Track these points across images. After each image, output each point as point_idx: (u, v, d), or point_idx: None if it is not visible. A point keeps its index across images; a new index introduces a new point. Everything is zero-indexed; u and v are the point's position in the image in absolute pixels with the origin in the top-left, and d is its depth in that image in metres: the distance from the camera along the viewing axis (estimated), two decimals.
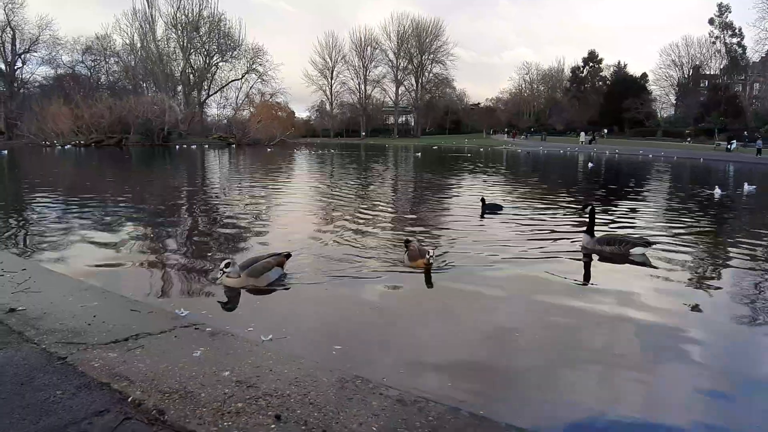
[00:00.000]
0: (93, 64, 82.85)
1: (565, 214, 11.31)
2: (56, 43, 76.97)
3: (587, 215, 8.08)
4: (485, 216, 10.72)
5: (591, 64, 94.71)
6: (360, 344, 4.40)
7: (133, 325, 3.60)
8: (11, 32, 73.67)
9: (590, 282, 6.35)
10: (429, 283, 5.94)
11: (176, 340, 3.39)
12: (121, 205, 12.69)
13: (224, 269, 5.37)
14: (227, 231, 9.44)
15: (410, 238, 7.43)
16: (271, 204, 13.11)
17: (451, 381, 3.81)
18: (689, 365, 4.11)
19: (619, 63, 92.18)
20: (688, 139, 65.88)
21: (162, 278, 5.97)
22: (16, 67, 76.46)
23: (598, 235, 7.94)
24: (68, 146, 54.55)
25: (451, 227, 9.67)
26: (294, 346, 3.90)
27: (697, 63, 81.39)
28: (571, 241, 8.42)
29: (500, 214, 10.89)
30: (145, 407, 2.56)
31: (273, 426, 2.44)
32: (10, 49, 74.73)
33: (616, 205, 13.23)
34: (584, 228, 8.14)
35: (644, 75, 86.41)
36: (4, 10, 71.64)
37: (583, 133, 68.53)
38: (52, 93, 68.07)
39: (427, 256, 6.13)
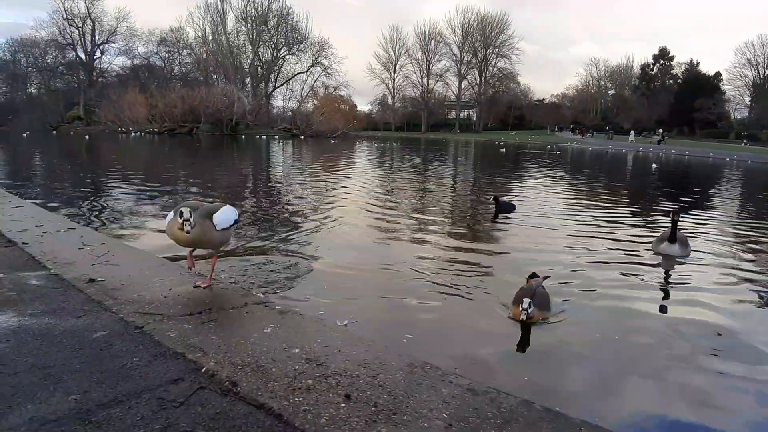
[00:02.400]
0: (167, 56, 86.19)
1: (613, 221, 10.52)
2: (132, 34, 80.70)
3: (671, 222, 7.48)
4: (499, 217, 10.08)
5: (662, 61, 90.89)
6: (432, 335, 4.39)
7: (206, 299, 3.69)
8: (91, 24, 77.66)
9: None
10: (524, 343, 4.37)
11: (247, 316, 3.44)
12: (192, 189, 13.20)
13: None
14: (290, 217, 9.63)
15: (536, 273, 5.20)
16: (333, 194, 13.24)
17: (526, 376, 3.76)
18: None
19: (691, 61, 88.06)
20: (744, 141, 62.20)
21: (233, 258, 6.16)
22: (95, 57, 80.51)
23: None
24: (142, 133, 56.93)
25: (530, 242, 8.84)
26: (364, 331, 3.94)
27: None
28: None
29: (513, 214, 10.28)
30: (219, 378, 2.60)
31: (343, 405, 2.43)
32: (89, 39, 78.79)
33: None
34: (659, 235, 7.71)
35: (718, 74, 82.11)
36: (85, 2, 75.58)
37: (632, 132, 65.99)
38: (128, 82, 71.33)
39: (521, 309, 4.45)
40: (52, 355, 2.79)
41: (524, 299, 4.46)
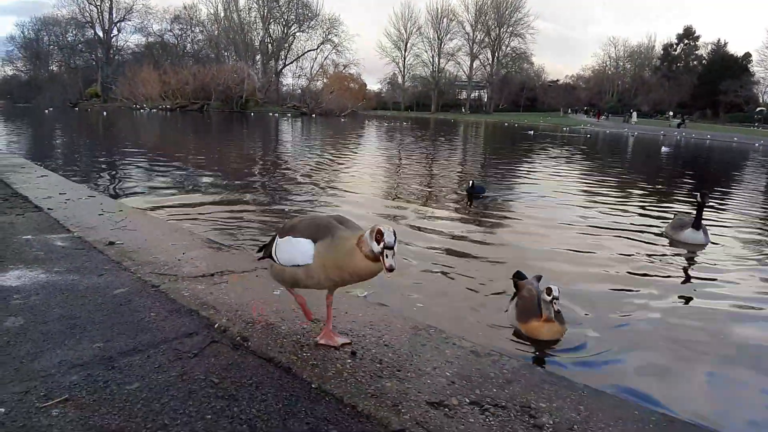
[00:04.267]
0: (180, 33, 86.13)
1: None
2: (148, 12, 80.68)
3: (697, 206, 6.99)
4: (473, 199, 9.79)
5: (686, 41, 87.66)
6: (441, 305, 4.46)
7: (218, 262, 3.82)
8: (108, 2, 77.53)
9: None
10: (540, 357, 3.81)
11: (258, 279, 3.56)
12: (202, 162, 13.44)
13: None
14: (298, 193, 9.77)
15: (523, 273, 4.58)
16: (340, 172, 13.35)
17: (538, 349, 3.83)
18: None
19: (718, 41, 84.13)
20: (756, 124, 60.41)
21: (242, 227, 6.31)
22: (112, 35, 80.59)
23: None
24: (155, 110, 57.24)
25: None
26: (376, 299, 4.06)
27: None
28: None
29: (484, 196, 10.01)
30: (230, 333, 2.73)
31: (349, 361, 2.55)
32: (107, 17, 78.80)
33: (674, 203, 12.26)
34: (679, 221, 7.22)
35: (747, 55, 78.35)
36: None
37: (634, 113, 64.78)
38: (143, 60, 71.52)
39: (552, 297, 3.72)
40: (77, 308, 2.98)
41: (551, 286, 3.76)
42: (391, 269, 2.26)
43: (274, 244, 2.62)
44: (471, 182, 10.22)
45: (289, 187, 10.58)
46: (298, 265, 2.47)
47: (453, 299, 4.70)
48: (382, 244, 2.28)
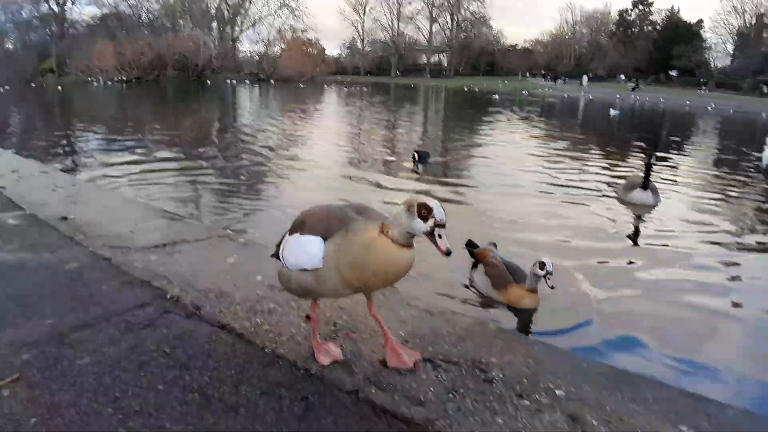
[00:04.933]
0: (135, 3, 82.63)
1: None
2: None
3: (645, 167, 7.09)
4: (418, 166, 9.62)
5: (641, 7, 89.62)
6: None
7: (172, 233, 3.77)
8: None
9: None
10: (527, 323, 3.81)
11: (211, 248, 3.54)
12: (158, 133, 13.16)
13: None
14: (254, 159, 9.66)
15: (474, 242, 4.64)
16: (297, 140, 13.23)
17: (488, 307, 3.90)
18: None
19: (672, 8, 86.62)
20: (703, 88, 61.86)
21: (198, 196, 6.22)
22: (65, 8, 76.96)
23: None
24: (111, 83, 55.47)
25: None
26: None
27: (762, 11, 75.58)
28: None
29: (428, 162, 9.85)
30: (183, 303, 2.71)
31: (303, 325, 2.57)
32: None
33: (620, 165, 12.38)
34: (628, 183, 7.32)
35: (700, 21, 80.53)
36: None
37: (585, 77, 65.59)
38: (98, 32, 68.74)
39: (547, 272, 3.73)
40: (29, 286, 2.93)
41: (544, 260, 3.76)
42: (448, 252, 1.86)
43: (283, 242, 2.23)
44: (416, 150, 10.07)
45: (246, 155, 10.45)
46: (306, 270, 2.06)
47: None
48: (432, 221, 1.86)
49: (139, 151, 10.61)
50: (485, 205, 7.10)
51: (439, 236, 1.87)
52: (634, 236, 6.12)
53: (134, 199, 5.09)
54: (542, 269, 3.74)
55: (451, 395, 2.18)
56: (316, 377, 2.18)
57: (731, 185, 9.73)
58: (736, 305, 4.34)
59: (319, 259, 2.01)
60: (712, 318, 4.09)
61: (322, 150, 11.64)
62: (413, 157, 9.89)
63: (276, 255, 2.30)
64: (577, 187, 8.43)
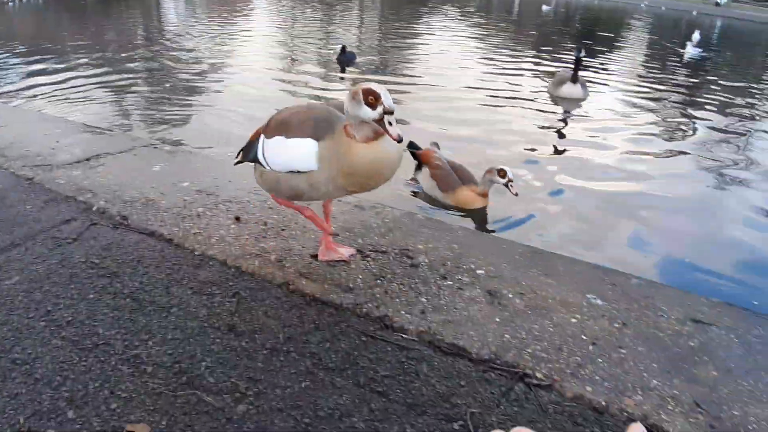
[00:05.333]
0: None
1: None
2: None
3: (574, 60, 7.18)
4: (346, 67, 9.23)
5: None
6: None
7: (94, 147, 3.65)
8: None
9: None
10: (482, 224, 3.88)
11: (136, 158, 3.46)
12: (77, 47, 12.29)
13: None
14: (182, 67, 9.25)
15: (415, 143, 4.54)
16: (229, 45, 12.63)
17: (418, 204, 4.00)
18: None
19: None
20: None
21: (124, 109, 5.97)
22: None
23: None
24: (28, 0, 51.00)
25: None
26: None
27: None
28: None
29: (355, 64, 9.47)
30: (109, 214, 2.69)
31: (233, 226, 2.60)
32: None
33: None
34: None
35: None
36: None
37: None
38: None
39: (509, 179, 3.80)
40: None
41: (504, 168, 3.79)
42: (400, 139, 1.77)
43: (260, 145, 2.13)
44: (342, 47, 9.46)
45: (174, 63, 9.94)
46: (298, 172, 2.00)
47: None
48: (380, 108, 1.76)
49: (59, 67, 9.90)
50: (419, 105, 7.08)
51: (390, 123, 1.76)
52: (564, 129, 6.27)
53: (54, 116, 4.84)
54: (503, 177, 3.77)
55: (378, 281, 2.29)
56: (247, 274, 2.25)
57: (657, 78, 9.98)
58: (652, 190, 4.59)
59: (313, 161, 1.93)
60: (630, 201, 4.34)
61: (252, 53, 11.17)
62: (339, 54, 9.44)
63: (247, 160, 2.25)
64: (510, 83, 8.46)
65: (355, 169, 1.89)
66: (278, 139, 2.03)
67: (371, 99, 1.75)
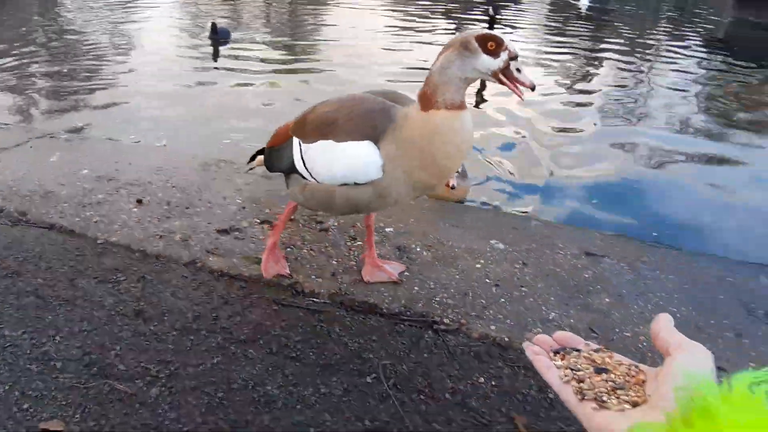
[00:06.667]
0: None
1: None
2: None
3: (488, 19, 7.12)
4: (219, 52, 7.81)
5: None
6: (254, 136, 4.17)
7: None
8: None
9: None
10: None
11: (32, 150, 3.29)
12: None
13: None
14: (84, 54, 8.70)
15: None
16: (127, 24, 11.94)
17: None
18: None
19: None
20: None
21: (15, 100, 5.59)
22: None
23: None
24: None
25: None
26: (182, 146, 3.92)
27: None
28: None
29: (228, 41, 8.12)
30: (7, 211, 2.57)
31: (135, 209, 2.55)
32: None
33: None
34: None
35: None
36: None
37: None
38: None
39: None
40: None
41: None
42: (533, 86, 1.47)
43: (297, 152, 1.77)
44: (212, 25, 8.06)
45: (73, 51, 9.29)
46: (358, 184, 1.66)
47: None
48: (504, 54, 1.45)
49: None
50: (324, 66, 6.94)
51: (518, 70, 1.46)
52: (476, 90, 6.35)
53: None
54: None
55: (288, 249, 2.32)
56: (152, 257, 2.22)
57: (558, 30, 10.31)
58: (560, 138, 4.78)
59: (377, 167, 1.60)
60: (536, 149, 4.50)
61: (153, 36, 10.41)
62: (211, 34, 8.06)
63: (287, 169, 1.87)
64: (425, 42, 8.34)
65: (438, 147, 1.55)
66: (324, 144, 1.67)
67: (491, 45, 1.44)
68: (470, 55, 1.45)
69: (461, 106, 1.54)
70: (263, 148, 2.04)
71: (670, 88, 6.59)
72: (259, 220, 2.50)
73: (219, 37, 7.99)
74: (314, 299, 2.05)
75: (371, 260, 2.15)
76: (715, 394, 0.50)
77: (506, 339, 1.92)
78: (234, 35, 8.51)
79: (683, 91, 6.52)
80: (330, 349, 1.83)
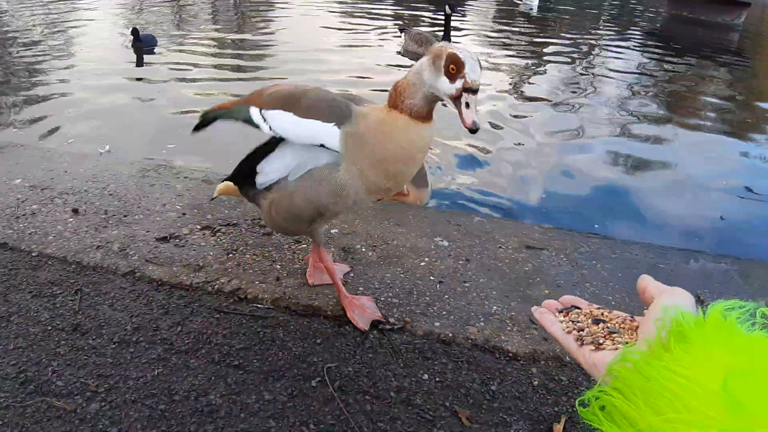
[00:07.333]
0: None
1: None
2: None
3: (444, 18, 6.87)
4: (143, 58, 7.29)
5: None
6: (195, 144, 4.06)
7: None
8: None
9: None
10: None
11: None
12: None
13: None
14: (17, 54, 8.34)
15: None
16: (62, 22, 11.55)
17: None
18: None
19: None
20: None
21: None
22: None
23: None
24: None
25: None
26: (125, 154, 3.79)
27: None
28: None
29: (154, 48, 7.57)
30: None
31: (71, 219, 2.47)
32: None
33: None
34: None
35: None
36: None
37: None
38: None
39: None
40: None
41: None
42: (474, 129, 1.38)
43: (257, 113, 1.65)
44: (133, 31, 7.48)
45: (8, 51, 8.91)
46: (319, 160, 1.62)
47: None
48: (460, 81, 1.37)
49: None
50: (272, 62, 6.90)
51: (467, 105, 1.37)
52: None
53: None
54: None
55: (230, 255, 2.30)
56: (89, 268, 2.16)
57: (505, 31, 10.56)
58: (504, 134, 4.88)
59: (336, 136, 1.54)
60: (481, 146, 4.58)
61: (91, 34, 9.99)
62: (132, 40, 7.46)
63: (233, 179, 1.87)
64: (365, 48, 8.25)
65: (398, 151, 1.53)
66: (288, 115, 1.60)
67: (452, 68, 1.36)
68: (434, 71, 1.40)
69: (426, 118, 1.51)
70: (230, 175, 1.97)
71: (613, 82, 6.84)
72: (200, 227, 2.46)
73: (143, 44, 7.51)
74: (257, 305, 2.04)
75: (316, 262, 2.15)
76: (690, 321, 0.57)
77: (449, 334, 1.96)
78: (162, 41, 8.05)
79: (625, 84, 6.78)
80: (274, 354, 1.83)
